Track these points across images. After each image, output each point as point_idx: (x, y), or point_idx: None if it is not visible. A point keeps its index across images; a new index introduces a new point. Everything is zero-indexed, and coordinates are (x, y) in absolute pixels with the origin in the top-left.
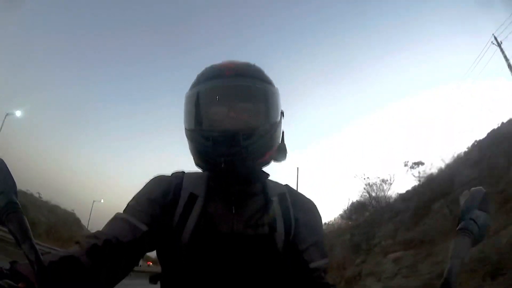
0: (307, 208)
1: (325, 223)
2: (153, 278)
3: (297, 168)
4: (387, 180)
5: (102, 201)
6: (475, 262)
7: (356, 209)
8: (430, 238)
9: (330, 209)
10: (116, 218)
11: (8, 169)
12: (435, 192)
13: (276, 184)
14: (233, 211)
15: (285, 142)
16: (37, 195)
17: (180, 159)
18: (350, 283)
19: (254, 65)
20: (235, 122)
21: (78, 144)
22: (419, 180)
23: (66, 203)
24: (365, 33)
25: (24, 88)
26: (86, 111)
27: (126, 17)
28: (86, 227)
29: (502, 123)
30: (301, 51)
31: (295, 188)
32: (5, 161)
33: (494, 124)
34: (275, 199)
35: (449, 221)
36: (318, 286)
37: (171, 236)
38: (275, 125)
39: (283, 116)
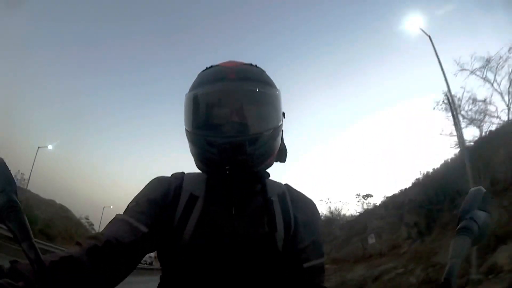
0: (307, 207)
1: None
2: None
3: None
4: (339, 209)
5: (112, 207)
6: None
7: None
8: (347, 260)
9: None
10: (117, 219)
11: (8, 168)
12: (355, 229)
13: (276, 183)
14: (233, 211)
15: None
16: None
17: (183, 159)
18: None
19: (256, 67)
20: (239, 128)
21: (84, 147)
22: (362, 210)
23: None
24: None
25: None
26: (85, 112)
27: (126, 17)
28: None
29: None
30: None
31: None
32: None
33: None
34: (275, 198)
35: (361, 250)
36: (311, 287)
37: (172, 236)
38: (278, 129)
39: (284, 117)
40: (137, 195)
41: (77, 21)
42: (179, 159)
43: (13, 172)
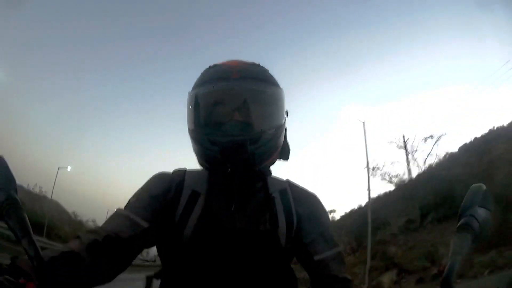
0: (309, 201)
1: None
2: (157, 275)
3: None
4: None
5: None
6: None
7: None
8: None
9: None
10: (117, 214)
11: (7, 166)
12: None
13: (277, 180)
14: (235, 208)
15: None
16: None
17: (185, 156)
18: None
19: (259, 66)
20: (241, 127)
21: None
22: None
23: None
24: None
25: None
26: (84, 112)
27: (127, 15)
28: None
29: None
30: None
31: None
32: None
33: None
34: (276, 195)
35: None
36: (325, 278)
37: (173, 232)
38: (281, 127)
39: (287, 115)
40: (138, 190)
41: (77, 21)
42: (183, 157)
43: (30, 186)
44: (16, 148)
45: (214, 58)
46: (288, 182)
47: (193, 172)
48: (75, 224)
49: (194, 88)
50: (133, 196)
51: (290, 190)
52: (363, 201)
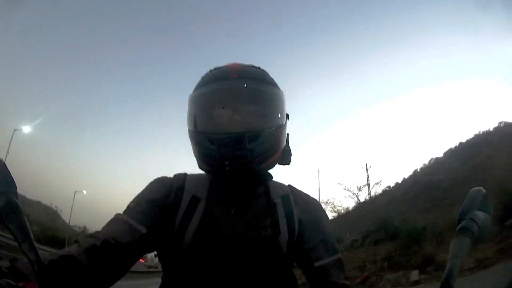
0: (311, 207)
1: None
2: None
3: (318, 170)
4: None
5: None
6: None
7: None
8: None
9: None
10: (116, 219)
11: (8, 170)
12: None
13: (279, 185)
14: (236, 214)
15: (290, 144)
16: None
17: (185, 160)
18: None
19: (259, 68)
20: (240, 125)
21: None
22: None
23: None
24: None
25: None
26: (84, 113)
27: (128, 16)
28: None
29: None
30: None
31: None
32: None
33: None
34: (278, 201)
35: None
36: (324, 284)
37: (173, 237)
38: (280, 128)
39: (288, 118)
40: (138, 195)
41: (77, 21)
42: (183, 162)
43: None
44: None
45: (216, 62)
46: (290, 187)
47: (194, 177)
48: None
49: (194, 90)
50: (133, 201)
51: (292, 196)
52: None
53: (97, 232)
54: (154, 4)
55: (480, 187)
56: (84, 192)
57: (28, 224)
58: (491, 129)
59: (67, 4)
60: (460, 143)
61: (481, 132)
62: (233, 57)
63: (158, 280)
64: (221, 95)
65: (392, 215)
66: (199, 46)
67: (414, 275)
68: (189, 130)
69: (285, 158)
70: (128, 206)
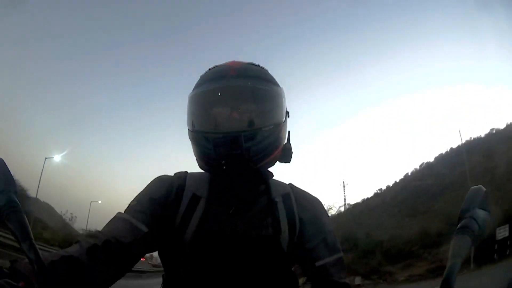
0: (312, 206)
1: None
2: None
3: (343, 181)
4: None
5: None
6: None
7: None
8: None
9: None
10: (117, 218)
11: (8, 169)
12: None
13: (280, 184)
14: (236, 213)
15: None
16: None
17: (185, 160)
18: None
19: (258, 66)
20: (237, 124)
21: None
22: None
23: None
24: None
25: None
26: (84, 112)
27: (128, 17)
28: None
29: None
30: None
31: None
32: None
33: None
34: (279, 199)
35: None
36: (325, 283)
37: (174, 236)
38: (279, 126)
39: (288, 116)
40: (139, 194)
41: (77, 22)
42: (184, 161)
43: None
44: None
45: (219, 62)
46: (291, 186)
47: (195, 175)
48: None
49: (193, 89)
50: (134, 200)
51: (293, 195)
52: None
53: (98, 232)
54: (155, 4)
55: (481, 185)
56: (99, 202)
57: (28, 223)
58: (482, 136)
59: (67, 7)
60: (451, 149)
61: (472, 138)
62: (234, 57)
63: (159, 280)
64: (219, 93)
65: (363, 225)
66: (200, 45)
67: (358, 280)
68: (188, 130)
69: (285, 156)
70: (130, 204)
